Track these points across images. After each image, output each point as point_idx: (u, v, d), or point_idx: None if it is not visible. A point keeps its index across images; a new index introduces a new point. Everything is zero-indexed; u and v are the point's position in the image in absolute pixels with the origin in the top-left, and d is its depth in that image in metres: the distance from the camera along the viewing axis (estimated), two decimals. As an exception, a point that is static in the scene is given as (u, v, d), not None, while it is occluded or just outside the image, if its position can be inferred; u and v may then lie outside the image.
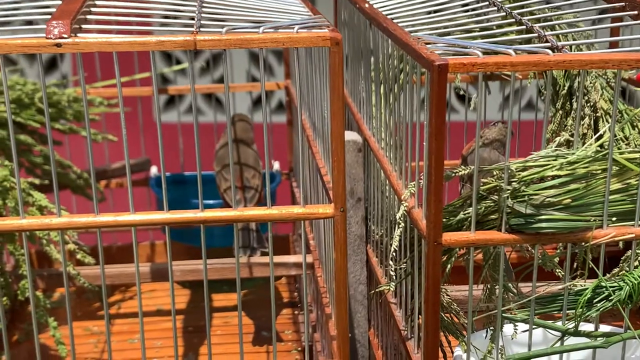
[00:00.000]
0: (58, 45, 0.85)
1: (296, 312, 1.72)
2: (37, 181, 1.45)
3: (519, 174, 0.88)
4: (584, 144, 1.01)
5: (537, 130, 1.64)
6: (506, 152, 0.87)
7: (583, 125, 1.37)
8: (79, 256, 1.36)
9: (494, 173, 0.91)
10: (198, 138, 0.90)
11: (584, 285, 0.90)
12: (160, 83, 2.70)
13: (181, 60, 2.54)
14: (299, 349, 1.57)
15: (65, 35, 0.85)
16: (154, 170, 1.88)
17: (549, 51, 0.85)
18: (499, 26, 1.06)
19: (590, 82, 1.38)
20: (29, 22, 1.17)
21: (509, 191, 0.87)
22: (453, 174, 0.95)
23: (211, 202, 1.68)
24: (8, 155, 1.44)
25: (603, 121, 1.37)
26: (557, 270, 1.03)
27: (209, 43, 0.86)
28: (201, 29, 0.90)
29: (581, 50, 1.32)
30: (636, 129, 1.38)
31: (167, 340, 1.62)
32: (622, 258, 1.37)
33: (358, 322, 1.37)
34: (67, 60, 2.75)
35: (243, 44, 0.86)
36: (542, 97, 1.56)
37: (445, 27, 1.03)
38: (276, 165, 1.91)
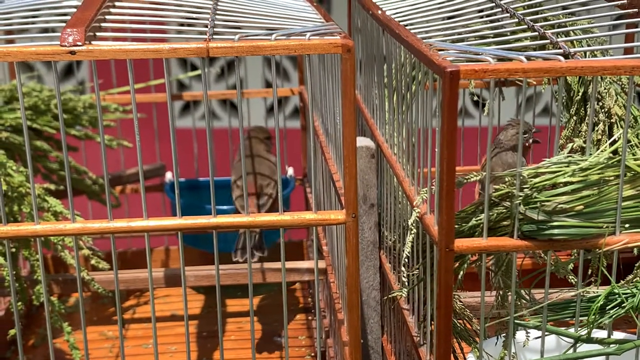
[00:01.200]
0: (72, 52, 0.86)
1: (310, 317, 1.72)
2: (52, 187, 1.46)
3: (531, 181, 0.88)
4: (598, 149, 1.01)
5: (552, 135, 1.63)
6: (518, 157, 0.87)
7: (597, 131, 1.37)
8: (93, 262, 1.37)
9: (506, 179, 0.91)
10: (211, 144, 0.91)
11: (597, 292, 0.90)
12: (176, 89, 2.72)
13: (197, 66, 2.55)
14: (312, 354, 1.57)
15: (79, 43, 0.86)
16: (169, 175, 1.89)
17: (561, 58, 0.84)
18: (513, 32, 1.06)
19: (605, 88, 1.38)
20: (46, 30, 1.18)
21: (521, 198, 0.87)
22: (465, 181, 0.95)
23: (225, 207, 1.69)
24: (24, 161, 1.46)
25: (617, 127, 1.37)
26: (570, 276, 1.03)
27: (222, 50, 0.87)
28: (214, 37, 0.90)
29: (595, 56, 1.32)
30: (651, 135, 1.37)
31: (181, 345, 1.63)
32: (637, 265, 1.36)
33: (371, 328, 1.36)
34: (85, 67, 2.77)
35: (255, 51, 0.87)
36: (557, 103, 1.56)
37: (459, 34, 1.03)
38: (290, 171, 1.91)
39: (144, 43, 0.88)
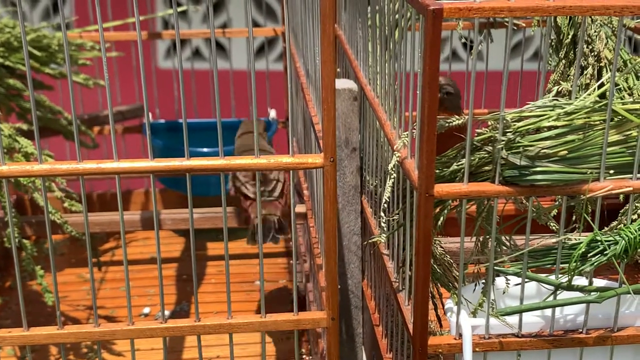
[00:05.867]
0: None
1: (291, 261, 1.71)
2: (25, 127, 1.43)
3: (514, 125, 0.85)
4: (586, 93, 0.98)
5: (541, 80, 1.60)
6: (501, 101, 0.84)
7: (586, 75, 1.34)
8: (65, 204, 1.34)
9: (489, 123, 0.88)
10: (182, 83, 0.87)
11: (579, 239, 0.88)
12: (161, 27, 2.66)
13: (182, 3, 2.49)
14: (291, 300, 1.56)
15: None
16: (148, 116, 1.85)
17: (549, -4, 0.81)
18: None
19: (595, 31, 1.34)
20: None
21: (503, 142, 0.85)
22: (447, 124, 0.92)
23: (205, 150, 1.66)
24: (-5, 101, 1.42)
25: (607, 71, 1.33)
26: (552, 223, 1.01)
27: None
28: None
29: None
30: (640, 79, 1.34)
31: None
32: (621, 211, 1.34)
33: (352, 272, 1.35)
34: (69, 4, 2.70)
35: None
36: (545, 45, 1.52)
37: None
38: (272, 114, 1.88)
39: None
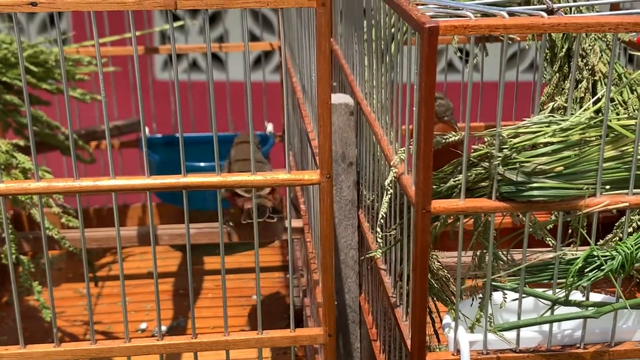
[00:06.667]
0: (33, 4, 0.81)
1: (288, 276, 1.71)
2: (22, 142, 1.43)
3: (511, 141, 0.85)
4: (580, 107, 0.98)
5: (536, 92, 1.60)
6: (497, 118, 0.85)
7: (580, 89, 1.34)
8: (63, 220, 1.34)
9: (485, 139, 0.88)
10: (178, 98, 0.88)
11: (576, 254, 0.88)
12: (159, 41, 2.67)
13: (179, 16, 2.49)
14: (287, 314, 1.56)
15: (41, -6, 0.81)
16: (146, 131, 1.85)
17: (544, 13, 0.81)
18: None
19: (589, 45, 1.35)
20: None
21: (500, 158, 0.85)
22: (443, 140, 0.92)
23: (202, 164, 1.66)
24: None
25: (601, 85, 1.34)
26: (548, 238, 1.01)
27: (190, 3, 0.83)
28: (184, -12, 0.86)
29: (581, 12, 1.28)
30: (635, 93, 1.35)
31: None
32: (616, 224, 1.34)
33: (349, 287, 1.35)
34: (65, 18, 2.70)
35: (225, 4, 0.83)
36: (540, 60, 1.53)
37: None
38: (270, 127, 1.88)
39: (110, -6, 0.84)
